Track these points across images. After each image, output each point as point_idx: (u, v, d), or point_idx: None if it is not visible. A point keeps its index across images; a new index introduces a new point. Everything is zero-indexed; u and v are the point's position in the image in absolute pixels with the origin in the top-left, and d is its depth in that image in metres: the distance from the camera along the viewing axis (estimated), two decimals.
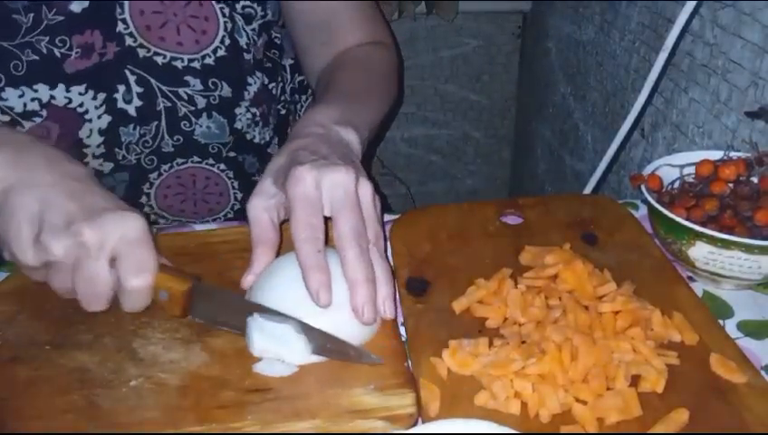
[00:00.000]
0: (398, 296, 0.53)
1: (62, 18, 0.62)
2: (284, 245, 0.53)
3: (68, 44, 0.62)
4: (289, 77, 0.83)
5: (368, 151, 0.63)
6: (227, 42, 0.69)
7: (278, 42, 0.78)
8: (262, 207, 0.52)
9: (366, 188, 0.51)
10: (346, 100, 0.65)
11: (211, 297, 0.49)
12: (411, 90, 1.73)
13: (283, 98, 0.81)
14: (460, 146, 1.86)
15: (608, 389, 0.43)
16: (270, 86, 0.77)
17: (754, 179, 0.57)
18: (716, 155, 0.60)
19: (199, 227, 0.65)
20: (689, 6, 0.68)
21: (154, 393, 0.45)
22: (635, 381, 0.44)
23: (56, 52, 0.62)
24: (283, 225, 0.53)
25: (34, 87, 0.63)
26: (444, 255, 0.58)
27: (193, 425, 0.42)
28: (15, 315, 0.52)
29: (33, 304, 0.53)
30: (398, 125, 1.76)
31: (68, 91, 0.64)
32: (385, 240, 0.54)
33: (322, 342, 0.47)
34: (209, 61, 0.68)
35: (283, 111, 0.82)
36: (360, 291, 0.47)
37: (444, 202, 0.67)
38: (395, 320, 0.51)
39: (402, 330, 0.51)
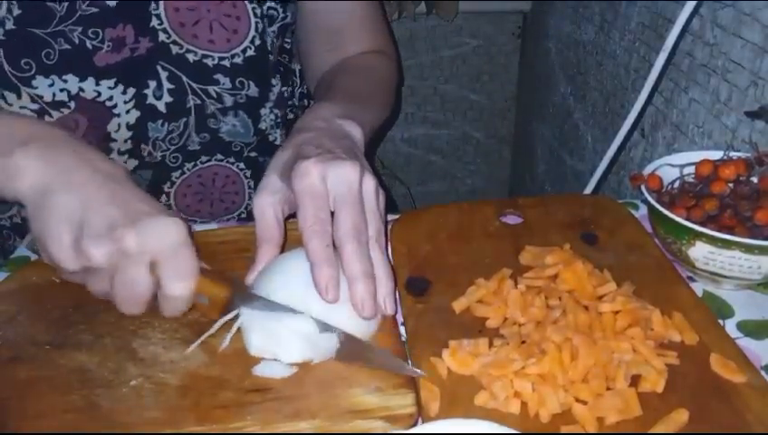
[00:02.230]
0: (398, 296, 0.54)
1: (95, 10, 0.62)
2: (288, 242, 0.53)
3: (100, 37, 0.63)
4: (298, 82, 0.84)
5: (368, 153, 0.63)
6: (257, 42, 0.70)
7: (288, 47, 0.79)
8: (267, 203, 0.52)
9: (370, 184, 0.51)
10: (348, 99, 0.66)
11: (250, 301, 0.48)
12: (411, 90, 1.73)
13: (291, 102, 0.82)
14: (460, 146, 1.86)
15: (608, 389, 0.43)
16: (284, 89, 0.78)
17: (754, 179, 0.57)
18: (716, 155, 0.60)
19: (200, 227, 0.65)
20: (689, 6, 0.68)
21: (154, 393, 0.45)
22: (635, 381, 0.44)
23: (88, 43, 0.63)
24: (288, 221, 0.53)
25: (64, 77, 0.63)
26: (444, 255, 0.58)
27: (193, 425, 0.42)
28: (15, 315, 0.52)
29: (33, 304, 0.53)
30: (398, 125, 1.76)
31: (97, 84, 0.64)
32: (386, 237, 0.54)
33: (349, 346, 0.47)
34: (238, 60, 0.69)
35: (291, 116, 0.82)
36: (359, 286, 0.47)
37: (444, 202, 0.67)
38: (395, 320, 0.51)
39: (402, 330, 0.51)
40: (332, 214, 0.49)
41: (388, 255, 0.51)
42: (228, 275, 0.49)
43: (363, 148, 0.59)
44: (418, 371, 0.45)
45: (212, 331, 0.48)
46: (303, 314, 0.47)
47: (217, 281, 0.48)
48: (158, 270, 0.45)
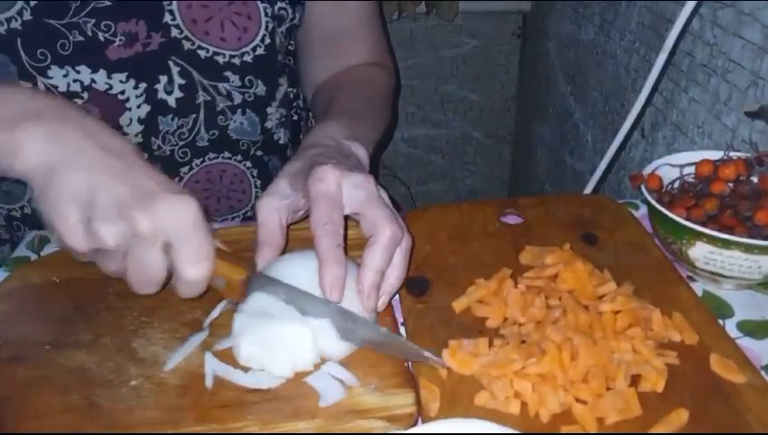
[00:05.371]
0: (397, 296, 0.54)
1: (108, 3, 0.63)
2: (291, 242, 0.53)
3: (112, 30, 0.64)
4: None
5: (370, 169, 0.64)
6: (267, 41, 0.70)
7: (292, 48, 0.80)
8: (273, 208, 0.52)
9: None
10: (353, 118, 0.67)
11: (267, 285, 0.48)
12: (411, 90, 1.73)
13: (295, 104, 0.83)
14: (460, 146, 1.86)
15: (608, 389, 0.43)
16: (289, 90, 0.79)
17: (754, 179, 0.57)
18: (716, 155, 0.60)
19: None
20: (689, 6, 0.68)
21: (154, 393, 0.45)
22: (635, 381, 0.44)
23: (100, 36, 0.63)
24: (290, 227, 0.53)
25: (77, 68, 0.64)
26: (444, 254, 0.58)
27: (193, 425, 0.42)
28: (15, 315, 0.52)
29: (33, 304, 0.53)
30: (398, 125, 1.76)
31: (109, 77, 0.65)
32: None
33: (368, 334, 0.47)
34: (248, 58, 0.70)
35: (295, 117, 0.83)
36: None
37: (444, 202, 0.67)
38: (395, 320, 0.51)
39: (402, 330, 0.51)
40: (346, 219, 0.50)
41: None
42: (244, 257, 0.48)
43: (368, 168, 0.60)
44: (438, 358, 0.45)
45: (184, 354, 0.48)
46: (325, 306, 0.47)
47: (233, 263, 0.47)
48: (173, 253, 0.44)
